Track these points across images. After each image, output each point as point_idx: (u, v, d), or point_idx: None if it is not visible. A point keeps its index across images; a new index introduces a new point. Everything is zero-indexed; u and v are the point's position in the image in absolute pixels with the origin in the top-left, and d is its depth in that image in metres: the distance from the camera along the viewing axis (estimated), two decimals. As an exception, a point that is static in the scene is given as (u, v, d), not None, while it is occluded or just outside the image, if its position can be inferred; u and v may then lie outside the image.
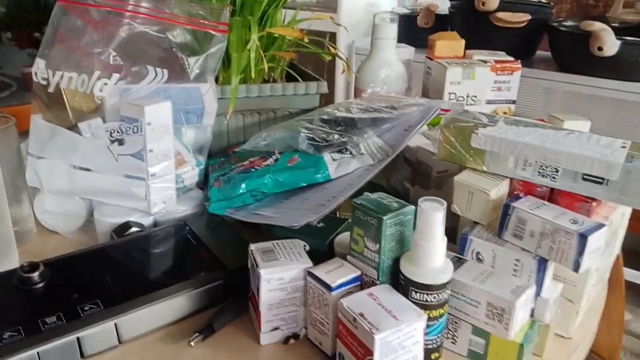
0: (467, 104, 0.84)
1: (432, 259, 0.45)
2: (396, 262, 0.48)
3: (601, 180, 0.47)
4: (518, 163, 0.51)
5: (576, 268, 0.45)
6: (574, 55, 1.40)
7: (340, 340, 0.46)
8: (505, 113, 0.86)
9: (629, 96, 1.35)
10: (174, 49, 0.64)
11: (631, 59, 1.30)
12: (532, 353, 0.50)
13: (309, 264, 0.50)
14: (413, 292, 0.46)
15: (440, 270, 0.46)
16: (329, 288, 0.47)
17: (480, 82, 0.83)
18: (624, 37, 1.28)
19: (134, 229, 0.62)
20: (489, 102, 0.85)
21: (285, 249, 0.52)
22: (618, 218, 0.54)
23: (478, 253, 0.51)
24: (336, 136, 0.64)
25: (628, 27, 1.44)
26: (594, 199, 0.48)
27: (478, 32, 1.49)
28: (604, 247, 0.50)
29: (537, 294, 0.48)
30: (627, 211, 0.57)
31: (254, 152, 0.71)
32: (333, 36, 1.76)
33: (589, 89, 1.42)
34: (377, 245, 0.47)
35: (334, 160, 0.66)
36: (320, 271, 0.49)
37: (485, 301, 0.46)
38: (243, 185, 0.64)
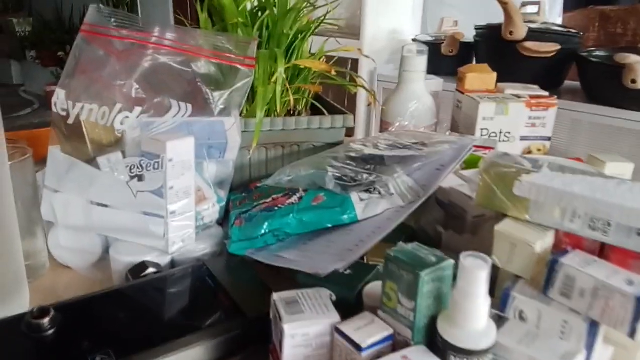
0: (500, 141, 0.80)
1: (474, 320, 0.41)
2: (433, 320, 0.44)
3: (660, 238, 0.43)
4: (566, 214, 0.47)
5: (632, 334, 0.41)
6: (605, 87, 1.36)
7: (371, 407, 0.42)
8: (539, 150, 0.82)
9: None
10: (198, 82, 0.62)
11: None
12: None
13: (337, 318, 0.46)
14: (452, 357, 0.42)
15: (483, 333, 0.41)
16: (359, 348, 0.43)
17: (514, 118, 0.79)
18: (658, 70, 1.24)
19: (150, 270, 0.59)
20: (523, 138, 0.81)
21: (311, 299, 0.49)
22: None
23: (522, 312, 0.46)
24: (365, 175, 0.61)
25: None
26: (651, 257, 0.44)
27: (504, 61, 1.46)
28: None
29: (588, 359, 0.44)
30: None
31: (277, 189, 0.68)
32: (355, 62, 1.74)
33: (618, 122, 1.38)
34: (413, 303, 0.43)
35: (361, 200, 0.62)
36: (349, 328, 0.45)
37: (532, 368, 0.42)
38: (265, 225, 0.61)
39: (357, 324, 0.46)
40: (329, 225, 0.61)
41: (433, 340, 0.43)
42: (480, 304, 0.41)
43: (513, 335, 0.44)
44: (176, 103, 0.60)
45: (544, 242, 0.48)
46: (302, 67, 0.77)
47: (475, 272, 0.40)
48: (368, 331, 0.45)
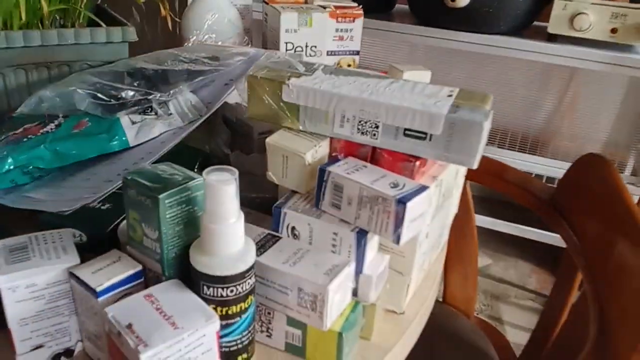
0: (306, 56, 0.75)
1: (227, 244, 0.36)
2: (186, 250, 0.37)
3: (424, 136, 0.41)
4: (335, 119, 0.43)
5: (397, 240, 0.39)
6: (430, 7, 1.37)
7: (112, 358, 0.36)
8: (349, 65, 0.79)
9: (483, 49, 1.35)
10: None
11: (483, 10, 1.29)
12: (358, 337, 0.43)
13: (74, 261, 0.38)
14: (205, 288, 0.36)
15: (238, 257, 0.36)
16: (94, 293, 0.36)
17: (319, 30, 0.74)
18: (475, -13, 1.26)
19: None
20: (330, 53, 0.76)
21: (46, 243, 0.40)
22: (450, 176, 0.48)
23: (293, 228, 0.42)
24: (131, 92, 0.52)
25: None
26: (417, 158, 0.42)
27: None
28: (433, 211, 0.45)
29: (359, 271, 0.41)
30: (461, 168, 0.52)
31: (33, 117, 0.56)
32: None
33: (446, 43, 1.40)
34: (157, 233, 0.36)
35: (133, 123, 0.53)
36: (86, 271, 0.37)
37: (296, 287, 0.38)
38: (10, 160, 0.50)
39: (98, 265, 0.38)
40: (95, 155, 0.52)
41: (189, 272, 0.37)
42: (230, 225, 0.35)
43: (282, 254, 0.40)
44: None
45: (316, 152, 0.43)
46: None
47: (220, 188, 0.34)
48: (109, 272, 0.37)
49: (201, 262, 0.36)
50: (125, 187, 0.37)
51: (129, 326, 0.33)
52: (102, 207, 0.45)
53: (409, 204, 0.37)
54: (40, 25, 0.64)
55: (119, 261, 0.38)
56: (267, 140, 0.44)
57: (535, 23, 1.34)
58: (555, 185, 0.79)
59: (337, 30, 0.76)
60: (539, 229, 1.54)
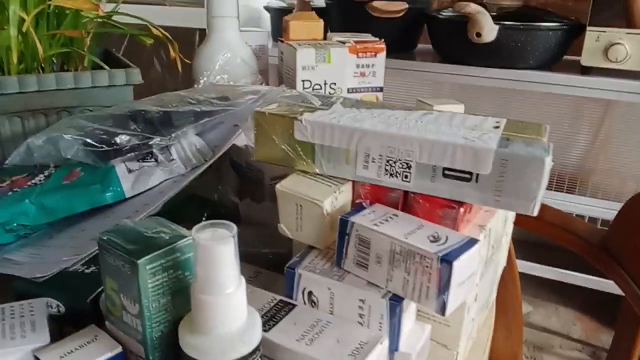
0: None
1: (224, 320, 0.28)
2: (175, 327, 0.30)
3: (468, 176, 0.33)
4: (358, 159, 0.36)
5: (441, 309, 0.30)
6: (454, 44, 1.33)
7: None
8: (372, 102, 0.73)
9: (510, 84, 1.29)
10: None
11: (511, 45, 1.23)
12: None
13: (42, 341, 0.31)
14: (197, 377, 0.28)
15: (238, 336, 0.28)
16: (59, 385, 0.29)
17: (339, 66, 0.68)
18: (502, 22, 1.21)
19: None
20: (351, 90, 0.70)
21: (13, 317, 0.33)
22: (499, 224, 0.40)
23: (311, 293, 0.35)
24: (127, 137, 0.46)
25: (507, 13, 1.39)
26: (461, 203, 0.34)
27: (357, 25, 1.37)
28: (482, 268, 0.36)
29: (394, 348, 0.33)
30: (510, 214, 0.44)
31: (25, 168, 0.51)
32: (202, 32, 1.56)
33: (472, 79, 1.35)
34: (138, 306, 0.29)
35: (130, 171, 0.47)
36: (54, 354, 0.30)
37: (315, 374, 0.30)
38: (-10, 217, 0.44)
39: (69, 345, 0.31)
40: (86, 209, 0.45)
41: (179, 355, 0.30)
42: (228, 294, 0.28)
43: (296, 328, 0.32)
44: None
45: (335, 199, 0.36)
46: (67, 11, 0.59)
47: (214, 250, 0.27)
48: (80, 356, 0.30)
49: (191, 345, 0.28)
50: (101, 250, 0.30)
51: None
52: (86, 271, 0.39)
53: (456, 263, 0.29)
54: (40, 70, 0.60)
55: (94, 341, 0.31)
56: (277, 186, 0.37)
57: (566, 57, 1.28)
58: (600, 227, 0.70)
59: (357, 66, 0.70)
60: (579, 272, 1.41)
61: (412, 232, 0.32)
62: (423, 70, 1.40)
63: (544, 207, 0.79)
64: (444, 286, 0.30)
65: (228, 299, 0.28)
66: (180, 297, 0.30)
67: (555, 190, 1.63)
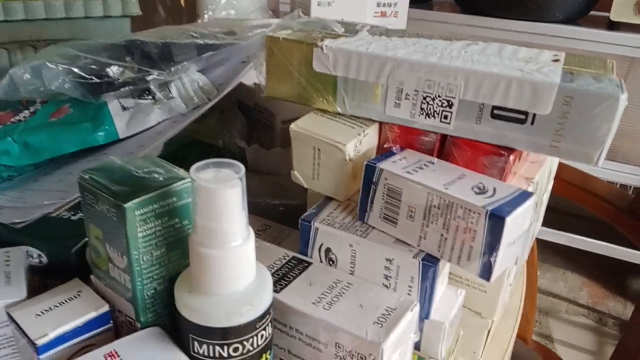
0: (343, 33, 0.62)
1: (229, 279, 0.23)
2: (171, 284, 0.25)
3: (523, 117, 0.27)
4: (389, 95, 0.30)
5: (487, 273, 0.26)
6: (477, -7, 1.24)
7: None
8: (394, 46, 0.66)
9: (536, 38, 1.21)
10: None
11: (539, -3, 1.15)
12: (421, 407, 0.30)
13: (17, 296, 0.27)
14: (196, 344, 0.24)
15: (246, 297, 0.24)
16: (34, 347, 0.24)
17: (357, 2, 0.62)
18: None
19: None
20: (371, 30, 0.64)
21: (-14, 268, 0.28)
22: (544, 178, 0.35)
23: (329, 250, 0.30)
24: (120, 69, 0.40)
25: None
26: (511, 150, 0.28)
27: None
28: (529, 228, 0.31)
29: (425, 315, 0.28)
30: (554, 166, 0.39)
31: (9, 103, 0.45)
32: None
33: (493, 32, 1.27)
34: (126, 260, 0.24)
35: (124, 109, 0.42)
36: (28, 312, 0.26)
37: (333, 342, 0.26)
38: (-32, 157, 0.39)
39: (48, 302, 0.26)
40: (75, 150, 0.40)
41: (175, 317, 0.25)
42: (234, 248, 0.23)
43: (311, 290, 0.28)
44: None
45: (359, 143, 0.31)
46: None
47: (218, 194, 0.22)
48: (59, 315, 0.25)
49: (190, 306, 0.23)
50: (83, 192, 0.25)
51: (73, 409, 0.21)
52: (73, 218, 0.34)
53: (509, 219, 0.24)
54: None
55: (77, 298, 0.26)
56: (292, 126, 0.31)
57: (592, 12, 1.19)
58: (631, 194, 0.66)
59: (378, 4, 0.63)
60: (589, 237, 1.37)
61: (453, 182, 0.27)
62: (440, 21, 1.31)
63: (561, 165, 0.74)
64: (491, 246, 0.25)
65: (233, 254, 0.23)
66: (177, 250, 0.25)
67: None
